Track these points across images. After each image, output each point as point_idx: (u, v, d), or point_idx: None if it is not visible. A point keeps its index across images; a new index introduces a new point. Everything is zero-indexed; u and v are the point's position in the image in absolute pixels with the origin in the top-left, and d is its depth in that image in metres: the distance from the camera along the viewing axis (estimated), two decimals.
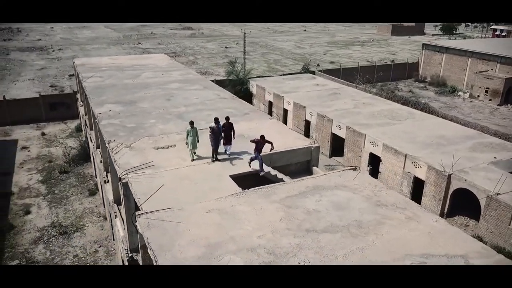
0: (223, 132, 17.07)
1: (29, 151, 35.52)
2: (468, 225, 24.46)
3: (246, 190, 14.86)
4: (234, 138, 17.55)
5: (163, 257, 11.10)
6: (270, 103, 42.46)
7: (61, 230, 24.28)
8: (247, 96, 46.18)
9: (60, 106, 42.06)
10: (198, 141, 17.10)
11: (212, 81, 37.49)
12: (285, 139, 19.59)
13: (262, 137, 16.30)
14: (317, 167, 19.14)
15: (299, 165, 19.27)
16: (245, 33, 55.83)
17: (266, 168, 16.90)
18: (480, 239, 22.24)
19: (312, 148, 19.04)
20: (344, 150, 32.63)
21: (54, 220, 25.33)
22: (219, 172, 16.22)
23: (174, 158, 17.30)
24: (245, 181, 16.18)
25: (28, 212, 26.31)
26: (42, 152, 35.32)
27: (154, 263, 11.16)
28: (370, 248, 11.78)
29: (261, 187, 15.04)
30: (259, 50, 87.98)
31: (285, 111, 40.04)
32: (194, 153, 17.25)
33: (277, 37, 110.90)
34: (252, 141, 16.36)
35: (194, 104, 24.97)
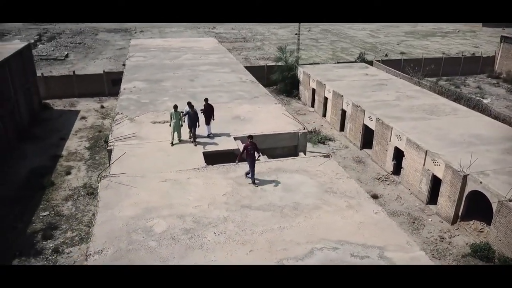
0: (203, 113, 18.00)
1: (86, 121, 39.77)
2: (482, 231, 22.83)
3: (210, 166, 15.85)
4: (213, 119, 18.41)
5: (103, 213, 12.65)
6: (314, 91, 42.30)
7: (88, 191, 27.33)
8: (294, 83, 46.41)
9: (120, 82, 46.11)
10: (181, 124, 17.71)
11: (252, 66, 38.38)
12: (277, 123, 20.06)
13: (250, 137, 15.07)
14: (305, 153, 19.38)
15: (286, 149, 19.67)
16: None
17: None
18: (488, 246, 20.85)
19: (299, 134, 19.31)
20: (373, 142, 31.75)
21: (86, 182, 28.56)
22: (195, 149, 17.36)
23: (163, 133, 18.79)
24: (221, 158, 17.14)
25: (68, 173, 29.90)
26: (96, 122, 39.37)
27: (93, 219, 12.77)
28: (290, 228, 12.18)
29: (224, 164, 15.92)
30: (330, 38, 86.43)
31: (325, 100, 39.70)
32: (179, 137, 17.84)
33: (353, 25, 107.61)
34: (243, 149, 14.89)
35: (212, 86, 26.26)
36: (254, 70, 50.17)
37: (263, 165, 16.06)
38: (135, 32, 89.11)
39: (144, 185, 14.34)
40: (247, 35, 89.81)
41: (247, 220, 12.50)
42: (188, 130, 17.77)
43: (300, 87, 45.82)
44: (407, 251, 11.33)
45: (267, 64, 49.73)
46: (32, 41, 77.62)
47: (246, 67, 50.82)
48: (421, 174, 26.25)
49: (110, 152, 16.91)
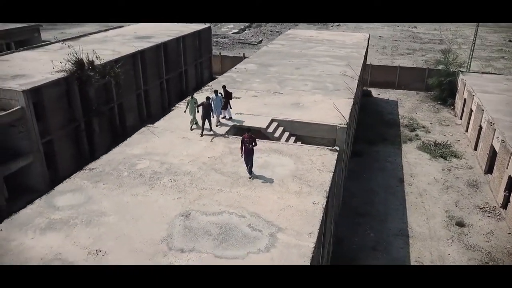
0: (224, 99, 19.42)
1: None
2: None
3: (227, 135, 18.24)
4: (231, 107, 19.95)
5: (119, 148, 16.88)
6: (464, 101, 37.52)
7: None
8: (452, 91, 41.82)
9: None
10: (198, 111, 18.39)
11: (410, 68, 36.90)
12: (321, 115, 20.54)
13: (248, 130, 15.28)
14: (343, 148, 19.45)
15: (325, 141, 20.01)
16: (478, 25, 48.23)
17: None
18: None
19: (337, 128, 19.41)
20: (494, 167, 27.09)
21: None
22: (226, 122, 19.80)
23: None
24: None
25: None
26: None
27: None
28: (227, 193, 13.77)
29: (236, 136, 18.03)
30: None
31: (470, 112, 34.94)
32: (195, 123, 18.65)
33: None
34: (241, 142, 15.01)
35: (309, 75, 27.64)
36: (413, 72, 47.17)
37: (266, 144, 17.42)
38: (332, 26, 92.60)
39: (164, 136, 17.91)
40: (448, 37, 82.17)
41: (203, 179, 14.64)
42: (201, 121, 18.08)
43: (456, 96, 41.14)
44: (297, 239, 11.57)
45: (429, 67, 45.99)
46: (242, 27, 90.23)
47: (405, 68, 48.19)
48: None
49: (170, 111, 21.09)
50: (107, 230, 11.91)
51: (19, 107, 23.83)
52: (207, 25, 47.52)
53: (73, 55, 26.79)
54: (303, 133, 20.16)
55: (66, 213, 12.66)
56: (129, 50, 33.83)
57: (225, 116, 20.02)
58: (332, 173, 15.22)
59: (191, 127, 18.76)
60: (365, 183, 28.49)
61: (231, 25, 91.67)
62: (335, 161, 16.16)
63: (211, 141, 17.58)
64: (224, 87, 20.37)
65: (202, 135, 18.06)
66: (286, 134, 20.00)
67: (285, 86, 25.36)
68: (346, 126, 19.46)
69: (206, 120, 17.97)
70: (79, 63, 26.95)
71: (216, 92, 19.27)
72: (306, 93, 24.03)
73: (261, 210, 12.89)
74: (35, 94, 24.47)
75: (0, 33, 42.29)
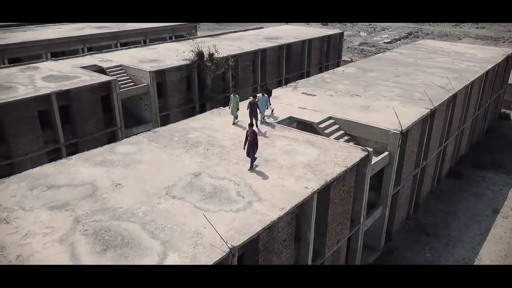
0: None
1: None
2: None
3: (274, 123, 20.08)
4: (270, 103, 20.96)
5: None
6: None
7: None
8: None
9: None
10: (238, 108, 19.59)
11: None
12: (384, 120, 20.47)
13: (251, 125, 15.89)
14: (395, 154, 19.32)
15: (379, 145, 19.99)
16: None
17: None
18: None
19: (389, 133, 19.25)
20: None
21: None
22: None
23: (294, 99, 23.66)
24: (304, 126, 20.70)
25: None
26: None
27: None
28: (233, 165, 15.80)
29: (283, 125, 19.73)
30: None
31: None
32: (236, 117, 19.88)
33: None
34: (245, 136, 15.75)
35: (402, 83, 26.97)
36: None
37: (304, 135, 18.63)
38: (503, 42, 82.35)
39: (225, 117, 20.64)
40: None
41: (230, 153, 16.93)
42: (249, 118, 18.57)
43: None
44: (268, 210, 12.93)
45: None
46: (397, 37, 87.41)
47: None
48: None
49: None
50: (134, 173, 15.32)
51: (145, 84, 29.86)
52: (340, 30, 48.69)
53: (196, 47, 31.86)
54: (357, 134, 20.49)
55: (117, 157, 16.59)
56: (251, 48, 37.78)
57: (272, 110, 21.37)
58: (346, 168, 15.71)
59: (234, 121, 20.02)
60: (450, 205, 26.35)
61: (386, 35, 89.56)
62: (358, 160, 16.47)
63: (258, 125, 19.61)
64: (265, 84, 22.04)
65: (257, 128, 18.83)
66: (340, 132, 20.64)
67: (369, 90, 25.46)
68: (399, 132, 19.11)
69: (253, 118, 18.61)
70: (199, 54, 31.90)
71: (262, 91, 20.31)
72: (385, 99, 23.83)
73: (256, 184, 14.56)
74: (159, 75, 30.16)
75: (167, 28, 51.53)
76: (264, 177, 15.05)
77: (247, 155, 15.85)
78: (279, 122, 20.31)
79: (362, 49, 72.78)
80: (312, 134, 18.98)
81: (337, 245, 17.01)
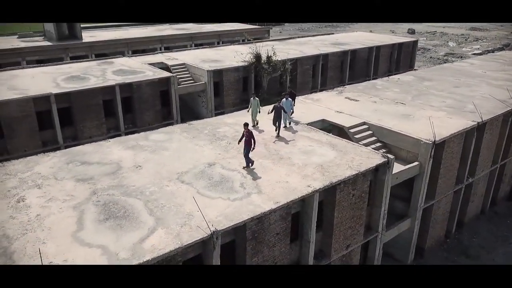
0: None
1: None
2: None
3: (305, 124, 20.37)
4: (294, 104, 20.70)
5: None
6: None
7: None
8: None
9: None
10: (259, 111, 19.83)
11: None
12: (420, 127, 19.75)
13: (246, 124, 16.01)
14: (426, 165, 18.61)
15: (411, 155, 19.29)
16: None
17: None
18: None
19: (421, 142, 18.51)
20: None
21: None
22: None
23: (333, 102, 23.67)
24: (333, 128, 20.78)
25: None
26: None
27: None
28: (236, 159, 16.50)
29: (312, 127, 19.97)
30: None
31: None
32: (256, 122, 20.08)
33: None
34: (242, 135, 16.11)
35: (458, 94, 25.54)
36: None
37: (327, 138, 18.69)
38: None
39: (249, 116, 21.32)
40: None
41: (235, 145, 17.68)
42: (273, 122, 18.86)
43: None
44: (263, 202, 13.44)
45: None
46: (490, 48, 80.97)
47: None
48: None
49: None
50: (157, 158, 16.78)
51: (203, 82, 31.76)
52: (414, 39, 46.69)
53: (254, 50, 33.06)
54: (390, 142, 19.95)
55: (148, 143, 18.24)
56: (313, 52, 38.03)
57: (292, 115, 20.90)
58: (357, 172, 15.56)
59: (254, 124, 20.12)
60: (503, 229, 24.23)
61: (477, 46, 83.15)
62: (374, 165, 16.18)
63: (287, 126, 20.05)
64: (289, 87, 22.08)
65: (278, 136, 18.91)
66: (372, 138, 20.26)
67: (417, 99, 24.46)
68: (431, 142, 18.28)
69: (277, 122, 18.74)
70: (257, 57, 33.05)
71: (286, 95, 20.13)
72: (431, 108, 22.78)
73: (261, 178, 15.11)
74: (217, 74, 31.89)
75: (242, 31, 53.69)
76: (272, 173, 15.54)
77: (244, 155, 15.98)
78: (309, 124, 20.53)
79: (446, 60, 68.43)
80: (336, 137, 18.96)
81: (347, 250, 16.81)
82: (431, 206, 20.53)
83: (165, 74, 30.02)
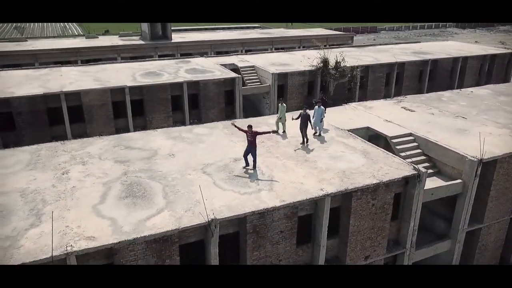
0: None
1: None
2: None
3: (346, 130, 20.06)
4: (323, 116, 19.51)
5: None
6: None
7: None
8: None
9: None
10: (285, 119, 19.59)
11: None
12: (472, 143, 18.31)
13: (249, 126, 16.11)
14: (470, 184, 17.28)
15: (455, 172, 17.94)
16: None
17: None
18: None
19: (466, 159, 17.14)
20: None
21: None
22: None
23: (388, 112, 22.82)
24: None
25: None
26: None
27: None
28: (272, 159, 16.86)
29: (353, 134, 19.63)
30: None
31: None
32: (278, 127, 19.76)
33: None
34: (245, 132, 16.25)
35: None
36: None
37: (363, 145, 18.20)
38: None
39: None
40: None
41: (280, 148, 18.05)
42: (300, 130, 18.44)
43: None
44: (268, 199, 13.79)
45: None
46: None
47: None
48: None
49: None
50: (191, 149, 17.99)
51: (267, 84, 32.65)
52: (510, 50, 42.30)
53: (322, 55, 33.03)
54: (435, 156, 18.76)
55: (190, 135, 19.61)
56: (388, 60, 36.67)
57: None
58: (378, 182, 15.04)
59: (277, 129, 19.71)
60: None
61: None
62: (400, 177, 15.46)
63: (317, 134, 19.75)
64: (321, 93, 21.37)
65: (305, 143, 18.46)
66: (417, 151, 19.24)
67: (482, 115, 22.45)
68: (477, 160, 16.83)
69: (303, 130, 18.28)
70: (324, 61, 32.97)
71: (318, 103, 19.52)
72: (495, 125, 20.90)
73: (278, 177, 15.41)
74: (282, 77, 32.53)
75: (323, 36, 53.62)
76: (291, 173, 15.75)
77: (244, 156, 16.09)
78: (351, 130, 20.17)
79: None
80: (372, 145, 18.37)
81: (366, 261, 16.25)
82: (479, 230, 18.77)
83: (232, 74, 31.50)
